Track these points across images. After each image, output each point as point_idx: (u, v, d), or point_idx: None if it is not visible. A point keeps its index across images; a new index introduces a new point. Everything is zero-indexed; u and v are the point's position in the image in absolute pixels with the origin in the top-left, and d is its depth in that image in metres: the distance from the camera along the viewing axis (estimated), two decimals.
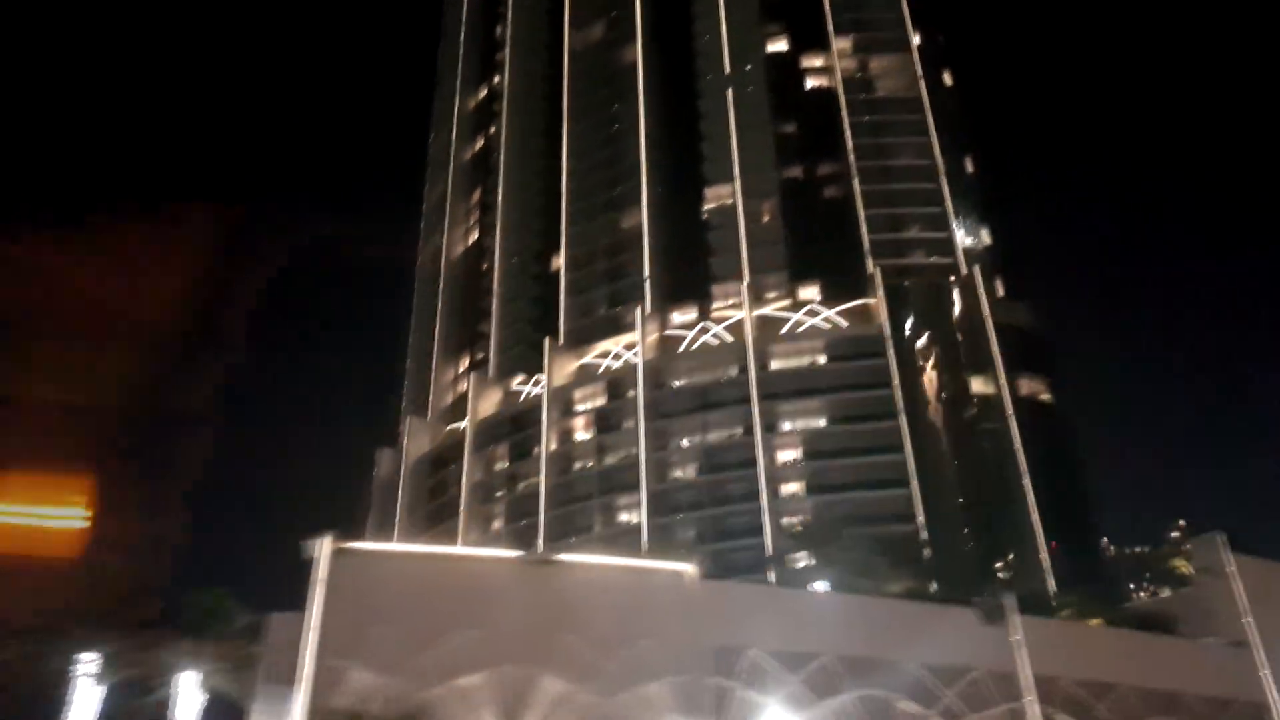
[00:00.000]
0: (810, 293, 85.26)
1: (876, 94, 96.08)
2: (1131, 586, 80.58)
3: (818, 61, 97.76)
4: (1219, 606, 46.42)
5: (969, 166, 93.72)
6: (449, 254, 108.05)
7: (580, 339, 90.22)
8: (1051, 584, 64.58)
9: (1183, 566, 48.34)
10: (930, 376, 79.33)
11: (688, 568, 37.13)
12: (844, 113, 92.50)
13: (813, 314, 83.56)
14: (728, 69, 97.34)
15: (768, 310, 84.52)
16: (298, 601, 31.94)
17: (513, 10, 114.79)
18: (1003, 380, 76.55)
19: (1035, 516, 69.84)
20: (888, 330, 79.18)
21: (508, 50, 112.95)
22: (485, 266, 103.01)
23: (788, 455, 78.06)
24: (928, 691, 37.37)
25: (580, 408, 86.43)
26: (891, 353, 78.07)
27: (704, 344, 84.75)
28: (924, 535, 68.51)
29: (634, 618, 34.95)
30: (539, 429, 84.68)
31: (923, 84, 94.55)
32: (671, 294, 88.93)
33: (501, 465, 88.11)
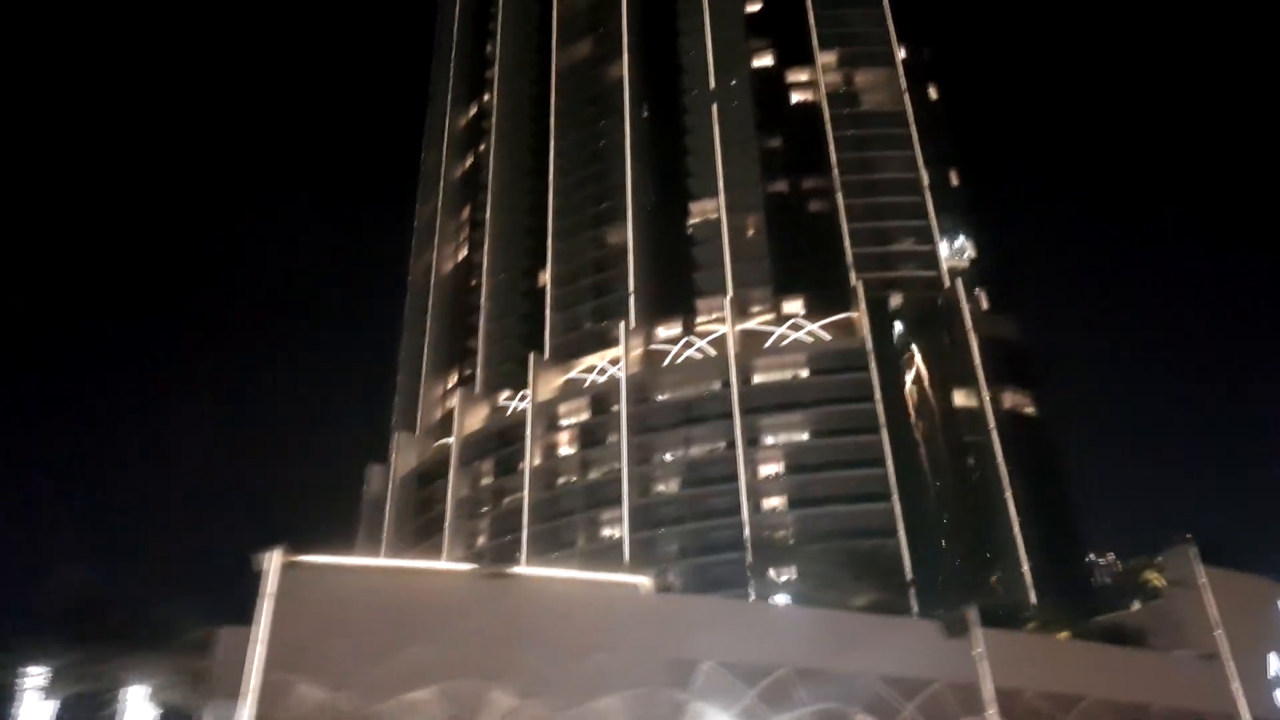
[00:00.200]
0: (794, 306, 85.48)
1: (861, 108, 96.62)
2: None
3: (803, 76, 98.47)
4: (1190, 619, 46.17)
5: (954, 180, 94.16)
6: (439, 270, 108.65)
7: (566, 354, 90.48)
8: (1033, 598, 64.31)
9: (1155, 579, 48.10)
10: (913, 390, 79.29)
11: (644, 581, 37.16)
12: (828, 127, 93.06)
13: (796, 328, 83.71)
14: (713, 84, 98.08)
15: (751, 324, 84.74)
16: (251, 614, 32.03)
17: (502, 29, 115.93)
18: (985, 393, 76.51)
19: (1017, 530, 69.68)
20: (870, 344, 79.23)
21: (497, 69, 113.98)
22: (474, 283, 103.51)
23: (770, 469, 78.03)
24: (887, 704, 37.20)
25: (565, 423, 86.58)
26: (874, 366, 78.11)
27: (688, 358, 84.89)
28: (905, 549, 68.29)
29: (589, 631, 34.92)
30: (524, 444, 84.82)
31: (907, 98, 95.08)
32: (657, 308, 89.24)
33: (487, 481, 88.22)
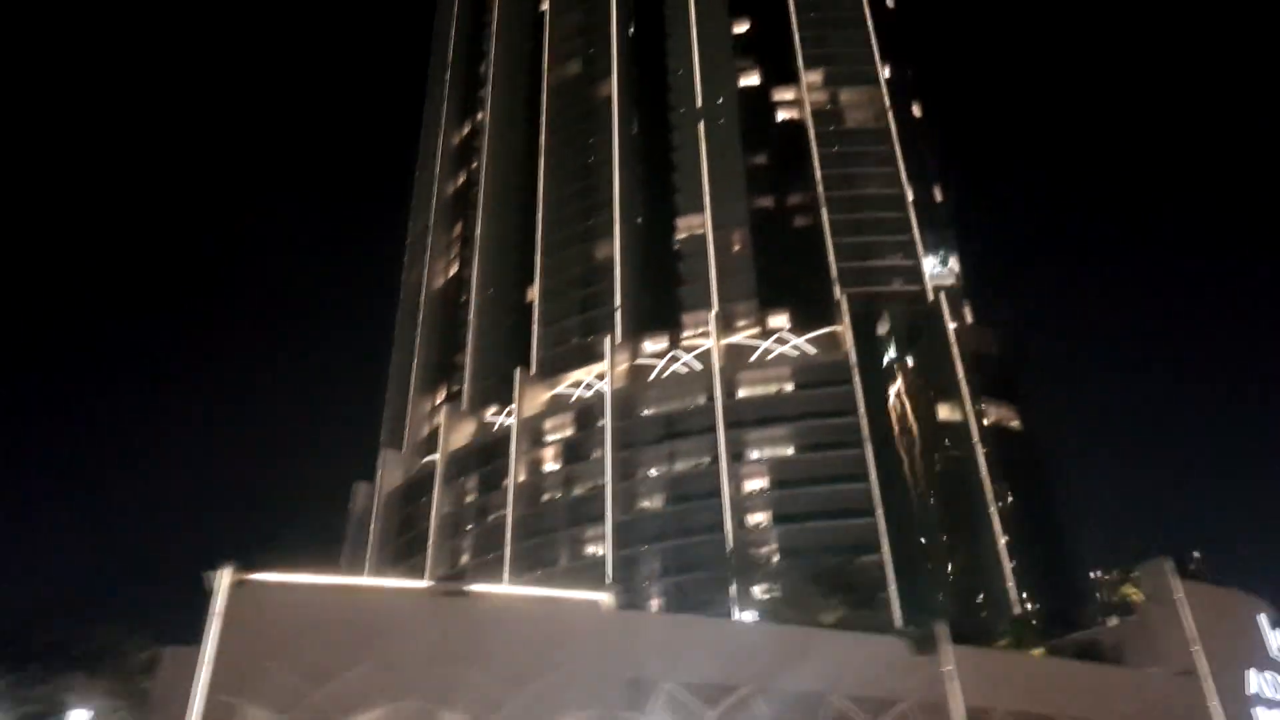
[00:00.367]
0: (779, 320, 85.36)
1: (846, 125, 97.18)
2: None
3: (788, 94, 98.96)
4: (1167, 635, 45.36)
5: (938, 195, 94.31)
6: (430, 286, 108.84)
7: (553, 369, 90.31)
8: (1017, 612, 63.47)
9: (1132, 594, 47.35)
10: (897, 404, 78.81)
11: (604, 597, 36.65)
12: (813, 144, 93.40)
13: (781, 342, 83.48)
14: (700, 102, 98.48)
15: (737, 338, 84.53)
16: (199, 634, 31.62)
17: (494, 48, 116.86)
18: (969, 407, 76.00)
19: (1001, 545, 68.97)
20: (854, 357, 78.92)
21: (490, 87, 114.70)
22: (464, 299, 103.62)
23: (754, 484, 77.49)
24: None
25: (550, 438, 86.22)
26: (857, 380, 77.77)
27: (674, 373, 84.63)
28: (889, 565, 67.63)
29: (545, 650, 34.39)
30: (509, 460, 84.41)
31: (891, 115, 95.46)
32: (643, 323, 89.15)
33: (471, 498, 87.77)
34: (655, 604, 71.85)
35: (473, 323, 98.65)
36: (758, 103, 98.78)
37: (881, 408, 77.26)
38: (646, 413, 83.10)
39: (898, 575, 67.01)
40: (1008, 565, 67.96)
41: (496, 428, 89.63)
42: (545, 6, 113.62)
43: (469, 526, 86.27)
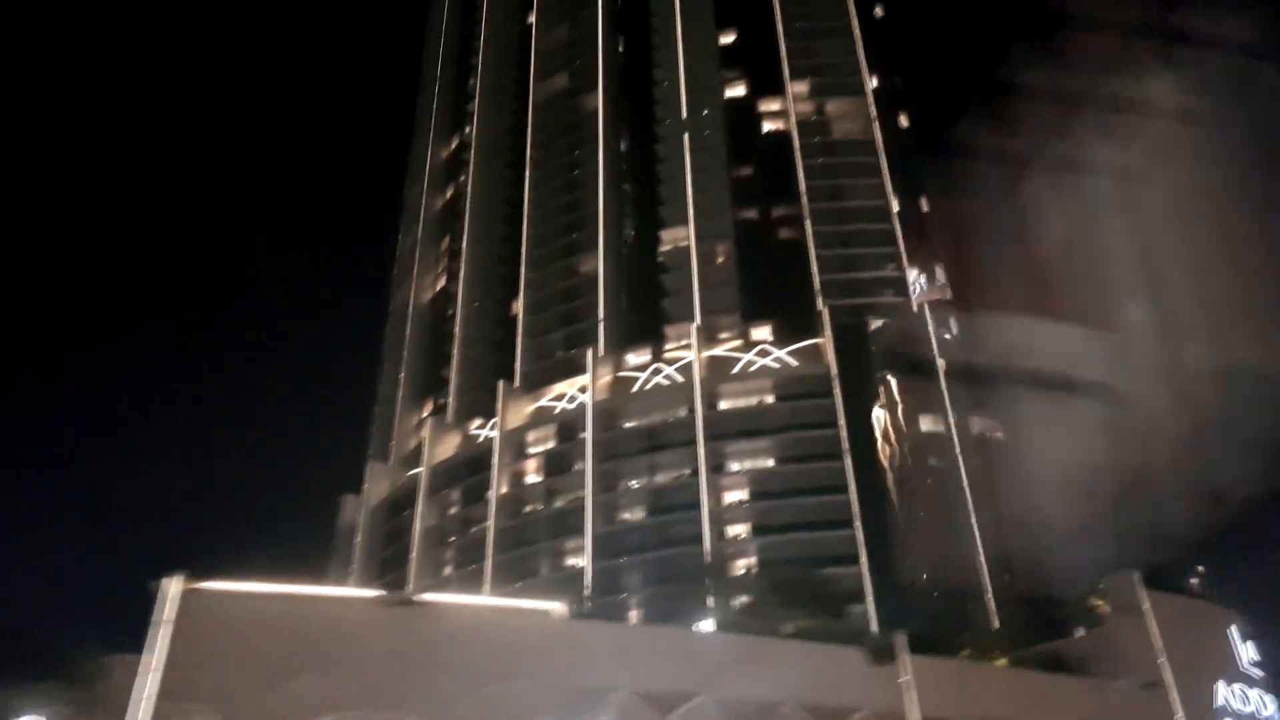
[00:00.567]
0: (762, 333, 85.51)
1: (832, 136, 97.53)
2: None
3: (774, 106, 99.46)
4: (1133, 646, 45.30)
5: (925, 206, 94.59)
6: (418, 300, 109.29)
7: (536, 382, 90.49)
8: (996, 625, 63.29)
9: (1099, 604, 47.25)
10: (879, 416, 78.83)
11: (556, 606, 36.75)
12: (798, 155, 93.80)
13: (764, 354, 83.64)
14: (685, 114, 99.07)
15: (719, 350, 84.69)
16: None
17: (483, 63, 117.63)
18: (951, 419, 76.05)
19: (981, 557, 68.87)
20: (835, 369, 79.03)
21: (477, 102, 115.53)
22: (451, 312, 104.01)
23: (735, 496, 77.47)
24: None
25: (533, 450, 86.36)
26: (838, 392, 77.83)
27: (656, 385, 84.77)
28: (866, 576, 67.51)
29: (497, 659, 34.49)
30: (492, 473, 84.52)
31: (876, 126, 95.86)
32: (626, 336, 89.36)
33: (455, 510, 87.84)
34: (635, 615, 71.76)
35: (459, 336, 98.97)
36: (744, 114, 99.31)
37: (863, 419, 77.25)
38: (628, 425, 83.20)
39: (875, 587, 66.82)
40: (987, 576, 67.85)
41: (480, 440, 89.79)
42: (532, 20, 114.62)
43: (452, 539, 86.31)
